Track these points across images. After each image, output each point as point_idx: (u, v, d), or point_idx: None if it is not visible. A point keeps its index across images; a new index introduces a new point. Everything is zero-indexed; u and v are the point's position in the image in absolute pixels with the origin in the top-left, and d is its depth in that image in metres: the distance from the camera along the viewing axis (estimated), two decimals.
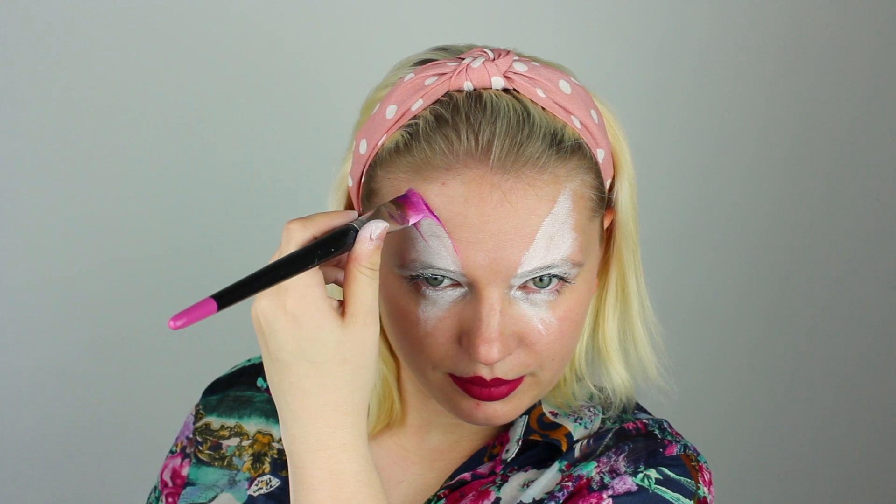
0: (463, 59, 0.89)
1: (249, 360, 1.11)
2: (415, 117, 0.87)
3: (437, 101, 0.87)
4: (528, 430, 0.99)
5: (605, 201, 0.92)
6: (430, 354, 0.89)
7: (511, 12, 1.87)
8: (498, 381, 0.89)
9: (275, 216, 1.79)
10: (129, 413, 1.89)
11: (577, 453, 0.98)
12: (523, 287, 0.87)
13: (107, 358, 1.90)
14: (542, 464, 0.99)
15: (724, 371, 2.09)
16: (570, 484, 0.95)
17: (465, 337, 0.87)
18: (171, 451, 1.10)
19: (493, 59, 0.88)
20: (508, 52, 0.90)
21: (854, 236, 2.07)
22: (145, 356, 1.91)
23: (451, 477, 0.99)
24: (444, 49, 0.93)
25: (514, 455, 0.98)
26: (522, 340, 0.88)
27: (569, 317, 0.89)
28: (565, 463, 0.97)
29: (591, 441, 0.99)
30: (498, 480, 0.98)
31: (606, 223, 0.95)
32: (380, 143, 0.89)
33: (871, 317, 2.11)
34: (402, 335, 0.90)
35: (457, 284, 0.87)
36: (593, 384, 1.02)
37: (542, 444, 0.99)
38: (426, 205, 0.85)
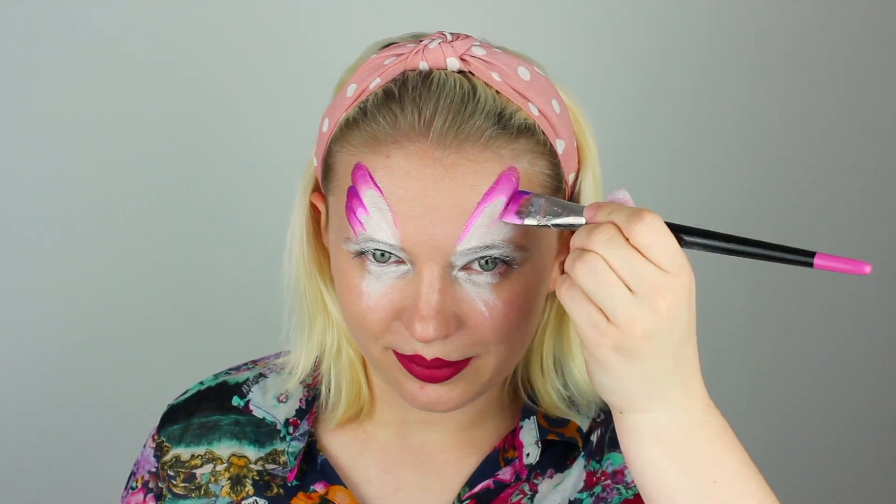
0: (422, 41, 0.90)
1: (202, 383, 1.10)
2: (370, 94, 0.89)
3: (392, 80, 0.88)
4: (542, 430, 0.99)
5: (562, 191, 0.92)
6: (372, 329, 0.89)
7: (503, 11, 1.90)
8: (439, 362, 0.88)
9: (273, 213, 1.80)
10: (128, 410, 1.89)
11: (593, 445, 1.00)
12: (467, 268, 0.87)
13: (106, 354, 1.92)
14: (562, 463, 0.99)
15: (716, 370, 2.07)
16: (609, 482, 0.97)
17: (405, 314, 0.87)
18: (132, 488, 1.07)
19: (451, 42, 0.89)
20: (468, 37, 0.91)
21: (853, 232, 2.05)
22: (145, 352, 1.92)
23: (470, 484, 0.99)
24: (414, 35, 0.94)
25: (536, 459, 0.98)
26: (465, 322, 0.88)
27: (515, 302, 0.88)
28: (586, 458, 0.99)
29: (602, 429, 1.00)
30: (527, 490, 0.98)
31: None
32: (337, 122, 0.91)
33: (867, 310, 2.08)
34: (347, 309, 0.91)
35: (401, 262, 0.87)
36: (562, 387, 1.02)
37: (558, 443, 0.99)
38: (371, 177, 0.86)
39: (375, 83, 0.89)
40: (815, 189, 2.03)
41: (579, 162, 0.95)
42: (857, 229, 2.05)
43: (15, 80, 1.82)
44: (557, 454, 1.00)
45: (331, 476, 1.01)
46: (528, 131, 0.88)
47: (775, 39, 1.96)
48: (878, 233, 2.05)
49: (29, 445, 1.93)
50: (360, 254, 0.88)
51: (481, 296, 0.87)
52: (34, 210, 1.87)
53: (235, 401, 1.06)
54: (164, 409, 1.09)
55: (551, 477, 0.99)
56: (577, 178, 0.95)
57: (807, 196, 2.03)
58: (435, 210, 0.84)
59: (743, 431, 2.15)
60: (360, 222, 0.86)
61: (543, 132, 0.89)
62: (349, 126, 0.89)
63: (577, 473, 0.99)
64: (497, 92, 0.88)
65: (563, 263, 0.96)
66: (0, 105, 1.83)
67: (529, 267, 0.89)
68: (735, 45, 1.95)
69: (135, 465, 1.09)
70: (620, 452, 0.97)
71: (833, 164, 2.02)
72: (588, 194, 0.95)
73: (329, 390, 1.02)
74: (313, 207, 0.99)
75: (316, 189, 0.98)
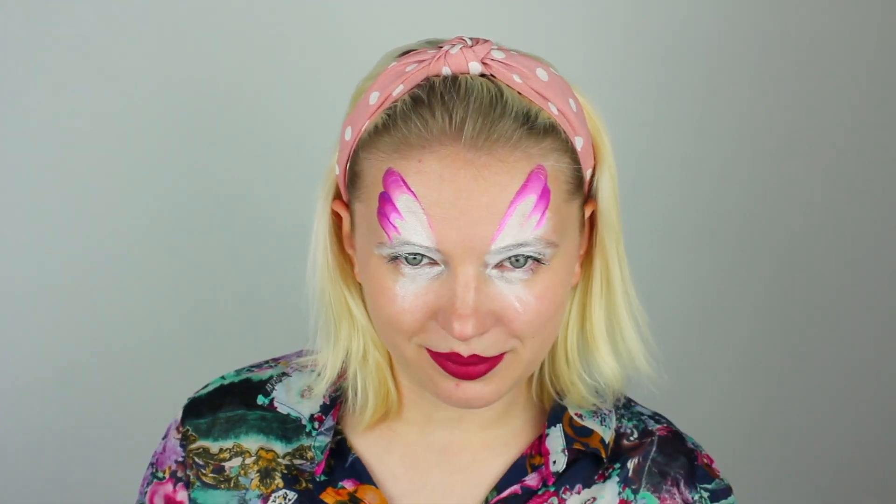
0: (443, 47, 0.92)
1: (223, 378, 1.11)
2: (395, 101, 0.90)
3: (417, 86, 0.90)
4: (568, 439, 1.02)
5: (582, 187, 0.95)
6: (406, 329, 0.91)
7: (515, 14, 1.91)
8: (476, 359, 0.90)
9: (274, 218, 1.79)
10: (130, 413, 1.89)
11: (630, 472, 1.03)
12: (499, 266, 0.89)
13: (108, 357, 1.91)
14: (590, 479, 1.02)
15: (717, 368, 2.09)
16: None
17: (441, 313, 0.89)
18: (158, 478, 1.08)
19: (472, 46, 0.91)
20: (487, 41, 0.93)
21: (851, 230, 2.07)
22: (147, 356, 1.92)
23: (498, 489, 1.01)
24: (430, 41, 0.96)
25: (563, 467, 1.00)
26: (500, 318, 0.90)
27: (546, 296, 0.90)
28: (622, 484, 1.01)
29: (640, 458, 1.03)
30: (555, 503, 1.00)
31: (588, 213, 0.98)
32: (363, 129, 0.92)
33: (869, 311, 2.10)
34: (380, 312, 0.92)
35: (434, 263, 0.89)
36: (588, 376, 1.04)
37: (585, 457, 1.02)
38: (404, 181, 0.87)
39: (399, 90, 0.90)
40: (825, 190, 2.05)
41: (595, 158, 0.97)
42: (865, 230, 2.07)
43: (23, 74, 1.80)
44: (586, 470, 1.02)
45: (362, 475, 1.02)
46: (552, 130, 0.90)
47: (787, 41, 1.97)
48: (886, 234, 2.08)
49: (36, 447, 1.92)
50: (394, 258, 0.89)
51: (514, 292, 0.89)
52: (42, 209, 1.86)
53: (260, 399, 1.07)
54: (176, 407, 1.10)
55: (579, 493, 1.02)
56: (594, 174, 0.97)
57: (817, 197, 2.05)
58: (469, 211, 0.86)
59: (733, 428, 2.16)
60: (395, 227, 0.88)
61: (564, 130, 0.91)
62: (377, 133, 0.90)
63: (609, 497, 1.02)
64: (519, 93, 0.90)
65: (583, 257, 0.99)
66: (6, 100, 1.81)
67: (558, 262, 0.91)
68: (748, 47, 1.97)
69: (153, 457, 1.09)
70: (655, 495, 1.02)
71: (842, 165, 2.04)
72: (606, 189, 0.97)
73: (356, 394, 1.04)
74: (335, 215, 1.00)
75: (336, 197, 0.99)
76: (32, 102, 1.82)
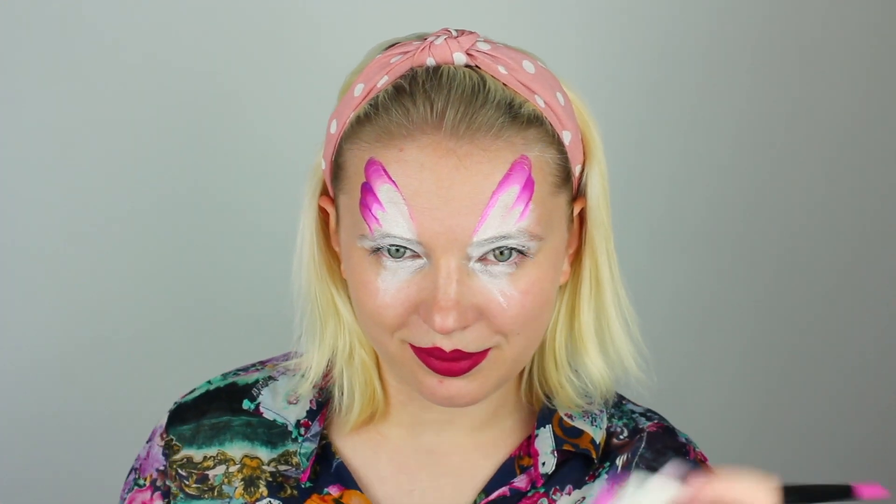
0: (428, 38, 0.92)
1: (210, 382, 1.09)
2: (379, 92, 0.90)
3: (400, 76, 0.89)
4: (558, 439, 1.00)
5: (570, 182, 0.93)
6: (388, 324, 0.89)
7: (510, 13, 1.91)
8: (459, 354, 0.89)
9: (275, 217, 1.78)
10: (132, 411, 1.88)
11: (618, 469, 1.00)
12: (482, 259, 0.88)
13: (108, 355, 1.91)
14: (581, 480, 1.00)
15: (717, 368, 2.08)
16: None
17: (423, 307, 0.88)
18: (138, 485, 1.06)
19: (456, 38, 0.91)
20: (473, 33, 0.92)
21: (850, 231, 2.06)
22: (146, 354, 1.91)
23: (486, 491, 0.99)
24: (418, 35, 0.96)
25: (552, 468, 0.99)
26: (483, 313, 0.88)
27: (531, 291, 0.89)
28: (610, 482, 1.00)
29: (629, 454, 1.01)
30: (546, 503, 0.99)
31: (577, 210, 0.97)
32: (347, 120, 0.91)
33: (869, 311, 2.09)
34: (362, 307, 0.91)
35: (416, 256, 0.88)
36: (575, 378, 1.03)
37: (575, 458, 1.00)
38: (385, 171, 0.86)
39: (383, 81, 0.90)
40: (824, 189, 2.04)
41: (585, 154, 0.96)
42: (864, 230, 2.06)
43: (17, 76, 1.81)
44: (577, 471, 1.01)
45: (347, 480, 1.01)
46: (537, 121, 0.89)
47: (783, 36, 1.97)
48: (886, 234, 2.06)
49: (33, 446, 1.91)
50: (376, 250, 0.88)
51: (498, 286, 0.88)
52: (38, 209, 1.86)
53: (246, 404, 1.06)
54: (168, 406, 1.09)
55: (570, 494, 1.00)
56: (583, 170, 0.96)
57: (816, 196, 2.04)
58: (450, 201, 0.85)
59: (757, 434, 2.13)
60: (376, 218, 0.87)
61: (551, 123, 0.90)
62: (360, 123, 0.89)
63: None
64: (504, 84, 0.89)
65: (572, 255, 0.98)
66: (2, 102, 1.82)
67: (543, 256, 0.90)
68: (746, 45, 1.96)
69: (136, 461, 1.08)
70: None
71: (842, 164, 2.03)
72: (595, 185, 0.96)
73: (342, 394, 1.02)
74: (321, 211, 0.99)
75: (324, 193, 0.98)
76: (33, 97, 1.82)
